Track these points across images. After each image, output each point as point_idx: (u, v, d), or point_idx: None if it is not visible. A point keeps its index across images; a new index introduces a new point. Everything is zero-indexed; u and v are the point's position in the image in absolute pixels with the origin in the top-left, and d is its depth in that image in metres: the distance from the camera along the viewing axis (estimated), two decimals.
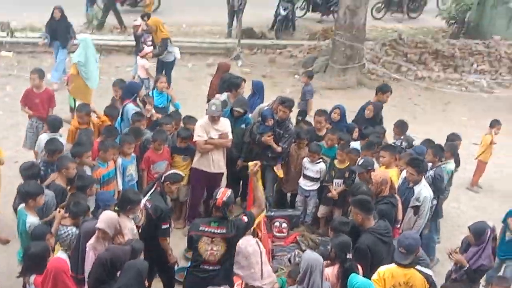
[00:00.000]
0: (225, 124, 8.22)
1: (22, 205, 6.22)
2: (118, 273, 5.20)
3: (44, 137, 7.97)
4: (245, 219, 6.06)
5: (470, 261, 6.31)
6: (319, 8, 20.04)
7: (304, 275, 5.25)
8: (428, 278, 5.72)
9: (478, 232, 6.46)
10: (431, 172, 7.81)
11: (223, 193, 6.03)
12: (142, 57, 12.46)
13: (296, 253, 7.67)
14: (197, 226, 6.01)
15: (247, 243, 5.75)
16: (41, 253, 5.42)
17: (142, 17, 13.45)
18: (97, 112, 8.73)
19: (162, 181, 6.74)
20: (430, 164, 7.97)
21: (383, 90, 9.83)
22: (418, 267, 5.76)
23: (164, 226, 6.45)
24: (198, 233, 5.92)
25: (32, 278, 5.39)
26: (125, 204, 6.17)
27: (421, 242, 7.63)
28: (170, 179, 6.75)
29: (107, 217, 5.73)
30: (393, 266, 5.73)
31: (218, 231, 5.87)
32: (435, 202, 7.88)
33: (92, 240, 5.70)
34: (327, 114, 8.99)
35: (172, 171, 7.14)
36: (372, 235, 5.96)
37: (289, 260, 7.34)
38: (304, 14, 20.29)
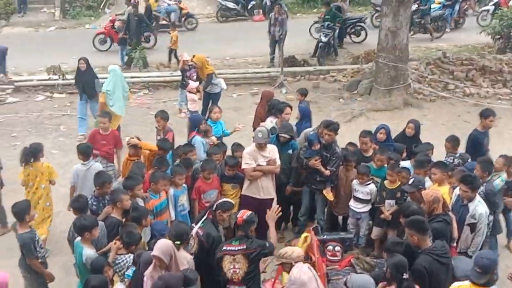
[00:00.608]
0: (272, 151, 8.29)
1: (78, 238, 6.41)
2: None
3: (78, 167, 8.39)
4: (266, 243, 6.31)
5: None
6: None
7: None
8: None
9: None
10: (482, 188, 7.62)
11: (243, 212, 6.44)
12: (190, 92, 13.04)
13: (365, 274, 7.59)
14: (221, 247, 6.30)
15: (300, 271, 5.82)
16: (101, 285, 5.58)
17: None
18: (142, 143, 8.97)
19: (214, 209, 6.93)
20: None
21: (484, 115, 9.53)
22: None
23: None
24: (222, 253, 6.20)
25: None
26: (178, 240, 6.23)
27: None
28: (221, 207, 6.95)
29: (162, 244, 5.82)
30: (468, 283, 5.62)
31: (239, 248, 6.15)
32: (491, 218, 7.69)
33: (149, 269, 5.80)
34: (372, 135, 8.97)
35: (223, 199, 7.27)
36: (429, 256, 5.84)
37: (345, 284, 7.22)
38: None
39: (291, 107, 9.59)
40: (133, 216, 6.85)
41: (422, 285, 5.73)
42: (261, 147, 8.15)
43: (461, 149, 9.18)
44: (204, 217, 6.92)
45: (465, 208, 7.10)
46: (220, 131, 10.24)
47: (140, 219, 6.82)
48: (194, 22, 23.03)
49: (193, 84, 13.20)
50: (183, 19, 22.75)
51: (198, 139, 9.19)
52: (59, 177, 9.14)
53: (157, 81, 16.89)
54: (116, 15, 20.92)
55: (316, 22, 20.59)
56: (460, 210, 7.14)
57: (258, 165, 8.17)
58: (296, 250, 6.18)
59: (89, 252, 6.23)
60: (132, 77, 16.86)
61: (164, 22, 22.28)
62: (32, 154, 8.48)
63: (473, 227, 7.06)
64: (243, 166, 8.21)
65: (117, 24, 19.03)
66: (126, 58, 18.05)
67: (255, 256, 6.13)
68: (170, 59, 18.23)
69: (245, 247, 6.15)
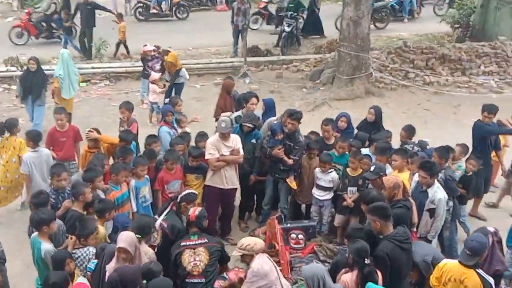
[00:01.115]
0: (235, 140, 8.28)
1: (35, 233, 6.24)
2: None
3: (29, 155, 8.35)
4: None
5: (483, 269, 6.12)
6: (273, 20, 20.69)
7: (312, 286, 5.29)
8: (486, 284, 5.59)
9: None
10: (441, 175, 7.77)
11: (194, 209, 6.56)
12: (152, 83, 12.94)
13: (315, 263, 7.66)
14: (178, 244, 6.36)
15: (262, 262, 5.94)
16: (61, 281, 5.42)
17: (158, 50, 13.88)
18: (101, 137, 8.75)
19: (178, 201, 6.92)
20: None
21: (482, 109, 9.76)
22: (480, 272, 5.68)
23: None
24: (181, 248, 6.24)
25: None
26: (140, 233, 6.20)
27: (444, 245, 7.66)
28: (186, 199, 6.98)
29: (126, 236, 5.75)
30: (455, 262, 5.77)
31: (199, 241, 6.22)
32: (451, 203, 7.86)
33: (112, 263, 5.71)
34: (333, 123, 9.04)
35: (187, 191, 7.23)
36: (391, 242, 5.90)
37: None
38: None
39: (257, 98, 9.57)
40: (97, 208, 6.75)
41: (384, 270, 5.80)
42: (224, 137, 8.13)
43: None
44: (168, 209, 6.91)
45: (424, 194, 7.23)
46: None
47: (104, 211, 6.72)
48: (186, 12, 22.82)
49: (155, 75, 13.07)
50: (174, 8, 22.56)
51: (164, 129, 9.12)
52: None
53: (118, 72, 16.64)
54: (34, 7, 20.15)
55: (254, 14, 20.85)
56: (420, 196, 7.26)
57: (222, 155, 8.14)
58: (258, 242, 6.19)
59: (47, 246, 6.06)
60: (92, 68, 16.61)
61: (154, 11, 22.21)
62: (7, 128, 8.89)
63: (432, 212, 7.19)
64: (207, 156, 8.18)
65: (34, 16, 18.60)
66: (78, 46, 17.70)
67: (216, 250, 6.18)
68: (117, 51, 17.89)
69: (206, 240, 6.19)
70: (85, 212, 6.82)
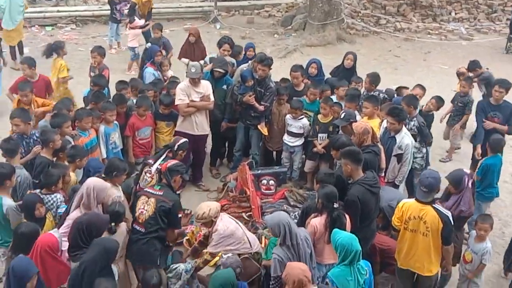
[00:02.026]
0: (206, 86, 8.20)
1: None
2: None
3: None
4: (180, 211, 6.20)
5: (451, 210, 6.30)
6: None
7: (284, 235, 5.35)
8: (443, 217, 5.76)
9: (456, 180, 6.50)
10: (413, 123, 7.87)
11: (170, 161, 6.34)
12: (132, 28, 12.69)
13: (285, 208, 7.79)
14: (142, 188, 6.44)
15: (225, 223, 5.99)
16: (30, 233, 5.32)
17: None
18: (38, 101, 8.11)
19: (175, 149, 6.94)
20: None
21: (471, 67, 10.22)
22: (437, 206, 5.86)
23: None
24: (141, 193, 6.14)
25: None
26: (111, 171, 6.23)
27: (415, 191, 7.80)
28: (183, 147, 7.02)
29: (87, 183, 5.74)
30: (413, 201, 5.91)
31: (156, 192, 5.98)
32: (425, 150, 8.02)
33: (74, 213, 5.65)
34: (303, 69, 8.99)
35: (183, 140, 7.17)
36: (362, 186, 6.00)
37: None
38: None
39: (230, 44, 9.40)
40: (69, 154, 6.69)
41: (355, 214, 5.92)
42: (194, 82, 8.04)
43: None
44: (164, 156, 6.89)
45: (392, 140, 7.33)
46: None
47: (76, 157, 6.67)
48: None
49: (138, 22, 12.68)
50: None
51: (149, 70, 9.03)
52: None
53: (85, 16, 16.17)
54: None
55: None
56: (388, 141, 7.36)
57: (192, 101, 8.08)
58: (212, 206, 6.02)
59: (9, 202, 5.87)
60: (58, 11, 16.09)
61: None
62: (54, 49, 9.37)
63: (399, 157, 7.31)
64: (177, 102, 8.11)
65: None
66: None
67: (162, 207, 5.87)
68: None
69: (161, 193, 5.97)
70: (54, 158, 6.75)
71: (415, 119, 7.90)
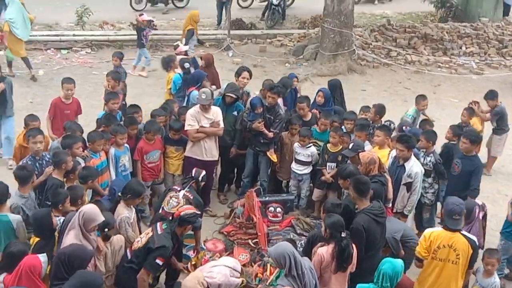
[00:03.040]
0: (216, 113, 8.28)
1: None
2: None
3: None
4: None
5: None
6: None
7: (289, 265, 5.32)
8: (472, 243, 5.83)
9: (467, 211, 6.52)
10: (430, 158, 7.85)
11: (185, 209, 6.49)
12: (177, 54, 11.91)
13: (292, 236, 7.79)
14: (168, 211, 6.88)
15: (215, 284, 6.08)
16: (18, 253, 5.32)
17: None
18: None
19: (200, 180, 7.32)
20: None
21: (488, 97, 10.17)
22: (464, 233, 5.92)
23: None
24: (155, 222, 6.47)
25: (2, 276, 5.29)
26: (125, 193, 6.49)
27: (423, 226, 7.77)
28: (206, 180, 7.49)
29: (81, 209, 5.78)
30: (440, 229, 5.94)
31: (158, 230, 6.20)
32: (437, 186, 8.00)
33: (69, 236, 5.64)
34: (309, 100, 9.07)
35: (204, 172, 7.52)
36: (367, 215, 6.02)
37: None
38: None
39: (249, 72, 9.43)
40: (82, 175, 6.79)
41: (360, 243, 5.93)
42: (204, 108, 8.13)
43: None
44: (189, 185, 7.30)
45: (401, 168, 7.36)
46: None
47: (88, 178, 6.78)
48: None
49: (182, 48, 12.22)
50: None
51: (195, 94, 9.04)
52: None
53: (100, 40, 16.42)
54: None
55: None
56: (397, 170, 7.39)
57: (201, 126, 8.16)
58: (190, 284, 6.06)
59: (16, 216, 6.07)
60: (74, 35, 16.37)
61: None
62: (167, 63, 10.51)
63: (409, 186, 7.33)
64: (186, 127, 8.18)
65: None
66: None
67: (148, 246, 6.07)
68: None
69: (160, 233, 6.17)
70: (64, 180, 6.82)
71: (432, 155, 7.88)
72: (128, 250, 6.27)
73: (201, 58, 10.66)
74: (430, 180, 7.88)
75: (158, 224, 6.36)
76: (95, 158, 7.45)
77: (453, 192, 7.27)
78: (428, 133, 8.10)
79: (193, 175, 7.43)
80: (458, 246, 5.82)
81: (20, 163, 7.02)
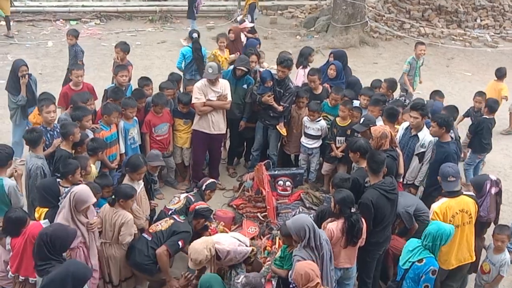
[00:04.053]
0: (224, 86, 8.17)
1: None
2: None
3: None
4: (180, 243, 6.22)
5: None
6: None
7: (309, 237, 5.27)
8: (474, 198, 5.94)
9: (478, 185, 6.52)
10: (449, 134, 7.66)
11: (200, 203, 6.62)
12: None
13: (300, 210, 7.77)
14: (169, 208, 6.87)
15: (224, 249, 5.94)
16: (18, 220, 5.38)
17: None
18: None
19: (203, 189, 7.13)
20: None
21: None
22: (465, 192, 6.01)
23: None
24: (167, 214, 6.68)
25: (9, 240, 5.43)
26: (126, 167, 6.56)
27: None
28: (210, 188, 7.19)
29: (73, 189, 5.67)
30: (445, 200, 5.95)
31: (177, 218, 6.39)
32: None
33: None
34: (320, 73, 8.92)
35: (210, 180, 7.31)
36: (377, 190, 5.95)
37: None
38: None
39: (257, 55, 9.24)
40: (90, 147, 6.77)
41: (368, 217, 5.88)
42: (211, 81, 8.03)
43: None
44: (193, 191, 7.23)
45: (414, 138, 7.29)
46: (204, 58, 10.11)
47: (96, 150, 6.78)
48: None
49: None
50: None
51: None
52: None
53: (109, 11, 16.30)
54: None
55: None
56: (409, 141, 7.32)
57: (208, 100, 8.07)
58: (200, 256, 5.82)
59: (9, 181, 6.10)
60: (83, 6, 16.26)
61: None
62: None
63: (421, 156, 7.25)
64: (193, 100, 8.10)
65: None
66: None
67: (173, 229, 6.21)
68: None
69: (180, 221, 6.33)
70: (73, 151, 6.81)
71: (451, 130, 7.79)
72: (145, 234, 6.32)
73: (228, 32, 10.45)
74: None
75: (176, 216, 6.49)
76: (105, 130, 7.45)
77: (430, 178, 7.19)
78: (449, 108, 7.98)
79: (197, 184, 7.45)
80: (468, 207, 5.95)
81: None
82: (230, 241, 6.04)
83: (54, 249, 4.82)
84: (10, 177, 6.24)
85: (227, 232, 6.90)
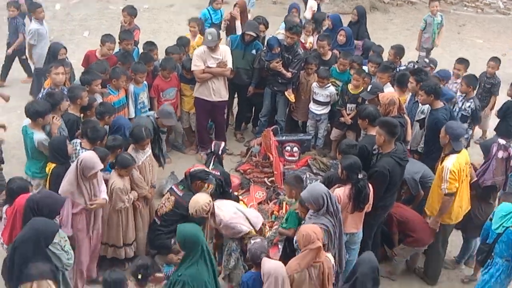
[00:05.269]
0: (224, 52, 8.06)
1: (27, 121, 6.29)
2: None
3: None
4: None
5: (478, 176, 6.40)
6: None
7: (327, 204, 5.29)
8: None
9: (486, 148, 6.54)
10: (469, 104, 7.69)
11: (196, 166, 6.72)
12: None
13: (308, 176, 7.81)
14: (172, 185, 6.74)
15: (224, 212, 5.93)
16: (19, 189, 5.42)
17: None
18: None
19: (220, 153, 7.10)
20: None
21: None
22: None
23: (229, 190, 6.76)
24: (169, 190, 6.60)
25: (5, 208, 5.47)
26: (131, 137, 6.50)
27: None
28: (225, 151, 7.35)
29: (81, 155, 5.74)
30: (454, 157, 6.07)
31: (177, 192, 6.38)
32: (470, 132, 7.94)
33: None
34: (330, 39, 8.84)
35: (223, 144, 7.28)
36: (392, 159, 5.95)
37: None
38: None
39: (265, 24, 9.15)
40: (99, 111, 6.77)
41: (382, 185, 5.91)
42: (211, 48, 7.92)
43: None
44: (212, 162, 7.00)
45: (415, 105, 7.30)
46: (220, 18, 10.18)
47: (104, 114, 6.77)
48: None
49: None
50: None
51: None
52: None
53: None
54: None
55: None
56: (412, 107, 7.34)
57: (208, 67, 7.98)
58: (197, 205, 5.81)
59: (39, 136, 6.18)
60: None
61: None
62: None
63: (422, 122, 7.24)
64: (192, 68, 8.00)
65: None
66: None
67: (176, 208, 6.27)
68: None
69: (181, 194, 6.32)
70: (81, 115, 6.84)
71: (472, 100, 7.72)
72: (155, 217, 6.46)
73: (234, 6, 10.33)
74: (465, 125, 7.75)
75: (174, 186, 6.51)
76: (114, 95, 7.45)
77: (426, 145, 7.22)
78: (469, 77, 7.90)
79: (212, 149, 7.22)
80: (468, 159, 6.24)
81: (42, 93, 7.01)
82: (231, 213, 5.94)
83: (41, 215, 4.85)
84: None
85: (244, 206, 6.78)
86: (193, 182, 6.39)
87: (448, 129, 6.14)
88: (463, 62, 8.64)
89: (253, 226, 6.04)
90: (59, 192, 5.48)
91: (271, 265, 4.85)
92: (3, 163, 7.07)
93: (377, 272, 4.97)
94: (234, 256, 5.94)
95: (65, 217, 5.56)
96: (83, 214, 5.74)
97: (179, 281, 4.69)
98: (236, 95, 9.04)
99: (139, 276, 4.86)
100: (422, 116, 7.22)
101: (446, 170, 5.97)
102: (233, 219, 5.89)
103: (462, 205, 6.24)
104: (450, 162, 6.00)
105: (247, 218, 6.05)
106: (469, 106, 7.71)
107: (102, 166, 5.71)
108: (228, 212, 5.94)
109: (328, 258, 5.03)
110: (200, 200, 5.81)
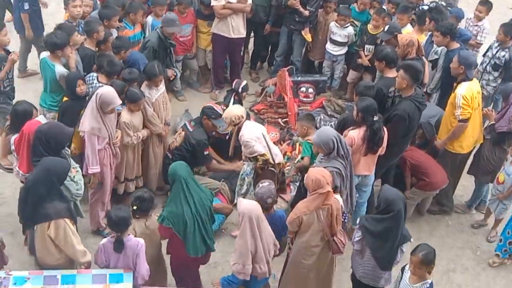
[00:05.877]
0: None
1: (46, 54, 6.28)
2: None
3: None
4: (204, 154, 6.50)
5: (496, 122, 6.37)
6: None
7: (337, 147, 5.31)
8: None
9: (505, 93, 6.51)
10: (504, 53, 7.43)
11: (209, 103, 6.79)
12: None
13: (322, 117, 7.77)
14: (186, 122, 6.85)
15: (250, 129, 6.18)
16: (24, 112, 5.45)
17: None
18: None
19: (240, 92, 7.20)
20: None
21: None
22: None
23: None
24: (182, 126, 6.74)
25: (13, 138, 5.47)
26: (144, 74, 6.48)
27: None
28: (246, 89, 7.32)
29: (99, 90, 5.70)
30: (466, 84, 6.16)
31: (189, 128, 6.51)
32: (500, 81, 7.64)
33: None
34: None
35: (244, 82, 7.32)
36: (413, 102, 5.91)
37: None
38: None
39: None
40: (115, 45, 6.69)
41: (401, 129, 5.90)
42: None
43: None
44: (232, 100, 7.16)
45: (431, 45, 7.20)
46: None
47: (120, 48, 6.67)
48: None
49: None
50: None
51: None
52: None
53: None
54: None
55: None
56: (428, 48, 7.24)
57: (228, 2, 7.83)
58: (231, 114, 6.21)
59: (60, 69, 6.18)
60: None
61: None
62: None
63: (435, 63, 7.17)
64: (212, 3, 7.86)
65: None
66: None
67: (185, 144, 6.37)
68: None
69: (192, 130, 6.43)
70: (97, 49, 6.78)
71: (507, 50, 7.44)
72: (167, 152, 6.58)
73: None
74: (496, 74, 7.59)
75: (187, 123, 6.62)
76: (129, 29, 7.35)
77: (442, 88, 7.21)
78: (507, 25, 7.57)
79: (232, 87, 7.25)
80: (479, 88, 6.34)
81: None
82: (253, 135, 6.15)
83: (49, 146, 4.91)
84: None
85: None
86: (203, 116, 6.51)
87: (461, 59, 6.17)
88: (486, 4, 8.32)
89: (272, 157, 6.21)
90: (85, 129, 5.53)
91: (245, 205, 4.90)
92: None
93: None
94: (247, 180, 6.24)
95: (91, 154, 5.62)
96: (107, 150, 5.80)
97: (160, 216, 4.97)
98: (252, 34, 8.88)
99: (134, 207, 4.93)
100: (436, 57, 7.13)
101: (459, 96, 6.05)
102: (252, 140, 6.10)
103: (474, 135, 6.34)
104: (463, 89, 6.09)
105: (268, 147, 6.21)
106: (503, 56, 7.46)
107: (120, 102, 5.73)
108: (251, 133, 6.15)
109: (337, 199, 5.06)
110: (234, 110, 6.30)
